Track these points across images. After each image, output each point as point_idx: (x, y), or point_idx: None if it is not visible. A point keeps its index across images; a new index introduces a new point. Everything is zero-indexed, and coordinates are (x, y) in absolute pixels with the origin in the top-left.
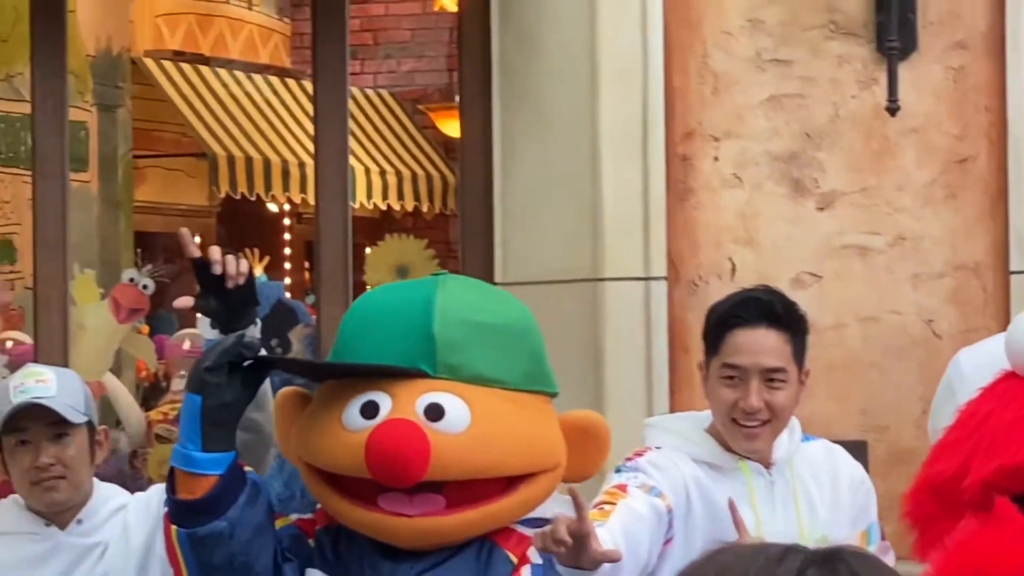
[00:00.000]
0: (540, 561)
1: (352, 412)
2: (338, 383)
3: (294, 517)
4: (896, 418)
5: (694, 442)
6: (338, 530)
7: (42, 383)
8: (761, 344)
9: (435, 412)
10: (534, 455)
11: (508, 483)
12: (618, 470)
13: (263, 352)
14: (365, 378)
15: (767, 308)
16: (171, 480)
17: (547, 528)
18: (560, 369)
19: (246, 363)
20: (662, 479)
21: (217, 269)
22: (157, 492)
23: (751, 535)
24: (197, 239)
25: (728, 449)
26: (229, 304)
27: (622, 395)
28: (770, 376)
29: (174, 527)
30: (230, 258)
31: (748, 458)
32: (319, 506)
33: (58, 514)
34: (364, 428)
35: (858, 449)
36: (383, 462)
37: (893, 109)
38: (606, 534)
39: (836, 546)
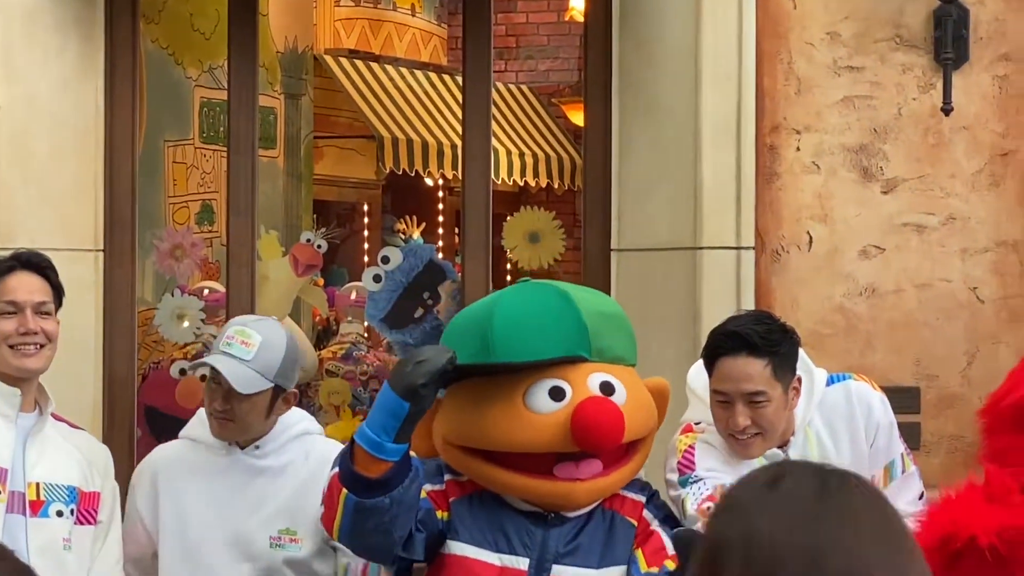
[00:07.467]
0: (656, 523)
1: (539, 397)
2: (493, 379)
3: (427, 488)
4: (944, 368)
5: (719, 443)
6: (470, 500)
7: (245, 346)
8: (742, 371)
9: (608, 388)
10: (653, 418)
11: (629, 446)
12: (682, 483)
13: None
14: (532, 369)
15: (745, 339)
16: (350, 452)
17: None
18: (663, 322)
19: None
20: (724, 477)
21: None
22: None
23: None
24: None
25: None
26: None
27: None
28: (752, 399)
29: (345, 491)
30: None
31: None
32: (446, 478)
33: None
34: (557, 408)
35: (912, 394)
36: (592, 433)
37: (947, 110)
38: None
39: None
